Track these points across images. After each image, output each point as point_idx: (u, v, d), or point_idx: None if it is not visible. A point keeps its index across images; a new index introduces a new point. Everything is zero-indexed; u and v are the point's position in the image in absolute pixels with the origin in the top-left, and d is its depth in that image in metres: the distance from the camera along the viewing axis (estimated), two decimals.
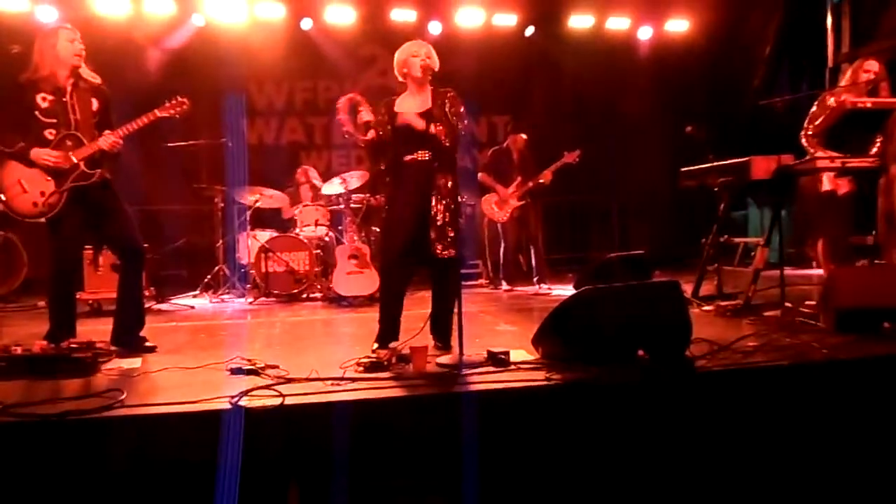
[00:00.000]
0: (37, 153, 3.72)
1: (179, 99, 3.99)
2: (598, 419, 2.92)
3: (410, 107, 3.88)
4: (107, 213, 3.91)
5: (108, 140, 3.80)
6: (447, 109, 3.80)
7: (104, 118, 3.89)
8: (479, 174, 7.27)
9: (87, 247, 5.52)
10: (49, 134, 3.75)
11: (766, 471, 3.03)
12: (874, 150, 4.49)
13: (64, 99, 3.77)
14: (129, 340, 3.88)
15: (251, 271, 6.51)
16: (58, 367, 3.31)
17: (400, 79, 4.00)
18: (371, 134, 3.90)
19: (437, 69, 3.90)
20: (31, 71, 3.78)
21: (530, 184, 6.97)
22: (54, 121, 3.75)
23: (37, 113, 3.74)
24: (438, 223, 3.74)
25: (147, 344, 3.94)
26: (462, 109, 3.83)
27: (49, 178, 3.75)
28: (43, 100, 3.74)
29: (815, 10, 8.33)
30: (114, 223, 3.93)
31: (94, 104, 3.86)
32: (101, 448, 2.56)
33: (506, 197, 7.04)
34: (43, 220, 3.78)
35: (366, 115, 3.87)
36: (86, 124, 3.80)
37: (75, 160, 3.76)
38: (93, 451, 2.56)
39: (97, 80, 3.91)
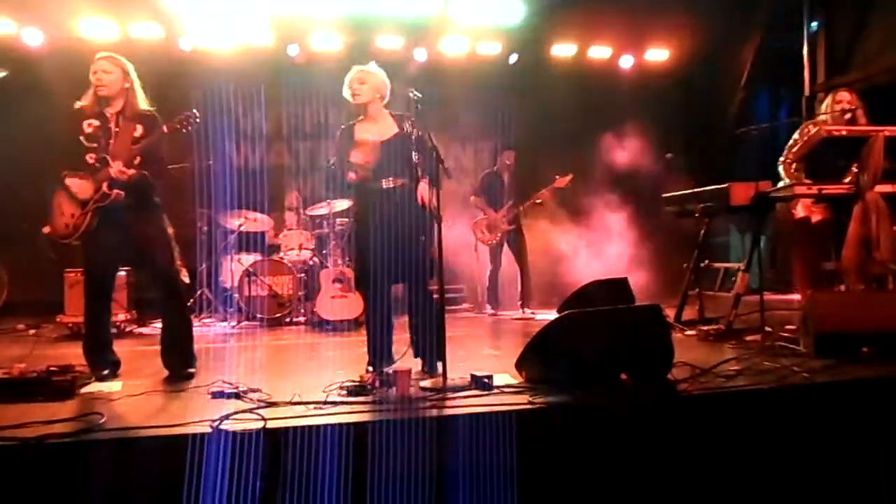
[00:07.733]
0: (70, 180, 3.76)
1: (188, 113, 3.85)
2: (580, 442, 2.93)
3: (371, 133, 3.91)
4: (136, 236, 3.85)
5: (115, 167, 3.72)
6: (413, 134, 3.82)
7: (148, 145, 3.80)
8: (472, 197, 7.30)
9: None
10: (90, 158, 3.77)
11: (747, 493, 3.05)
12: (849, 178, 4.58)
13: (109, 125, 3.81)
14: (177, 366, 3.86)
15: (234, 295, 6.48)
16: (37, 391, 3.28)
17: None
18: (352, 176, 3.89)
19: (368, 99, 3.91)
20: (81, 99, 3.86)
21: (521, 207, 7.01)
22: (95, 145, 3.78)
23: (81, 138, 3.78)
24: (416, 247, 3.77)
25: (190, 370, 3.87)
26: (427, 133, 3.77)
27: (79, 201, 3.77)
28: (88, 126, 3.79)
29: (791, 40, 8.51)
30: (141, 248, 3.89)
31: (138, 130, 3.82)
32: (79, 472, 2.53)
33: (495, 221, 7.07)
34: (76, 241, 3.81)
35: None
36: (121, 149, 3.77)
37: (101, 184, 3.75)
38: (71, 474, 2.53)
39: (147, 107, 3.91)
